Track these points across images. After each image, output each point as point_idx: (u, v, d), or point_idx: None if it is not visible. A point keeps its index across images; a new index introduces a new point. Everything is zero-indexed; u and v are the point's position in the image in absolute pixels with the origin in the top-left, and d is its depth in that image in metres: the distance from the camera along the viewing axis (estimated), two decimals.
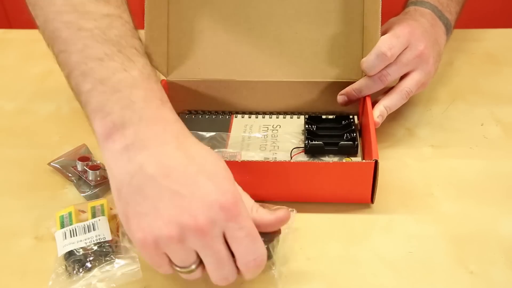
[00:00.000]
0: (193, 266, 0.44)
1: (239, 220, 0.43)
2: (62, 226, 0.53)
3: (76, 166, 0.63)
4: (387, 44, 0.61)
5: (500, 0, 1.04)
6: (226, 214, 0.42)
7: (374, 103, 0.64)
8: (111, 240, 0.52)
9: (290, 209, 0.49)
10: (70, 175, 0.63)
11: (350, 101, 0.66)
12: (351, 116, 0.67)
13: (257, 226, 0.45)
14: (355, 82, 0.65)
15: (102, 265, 0.51)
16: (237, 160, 0.59)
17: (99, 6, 0.48)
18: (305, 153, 0.63)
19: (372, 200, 0.57)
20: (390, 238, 0.55)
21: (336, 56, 0.68)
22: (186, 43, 0.69)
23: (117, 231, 0.54)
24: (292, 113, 0.70)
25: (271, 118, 0.70)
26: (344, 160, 0.61)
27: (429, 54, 0.64)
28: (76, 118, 0.73)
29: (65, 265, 0.51)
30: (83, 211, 0.55)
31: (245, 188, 0.48)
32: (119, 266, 0.51)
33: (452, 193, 0.60)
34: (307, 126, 0.65)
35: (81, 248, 0.52)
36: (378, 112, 0.63)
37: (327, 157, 0.62)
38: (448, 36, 0.71)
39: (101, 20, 0.48)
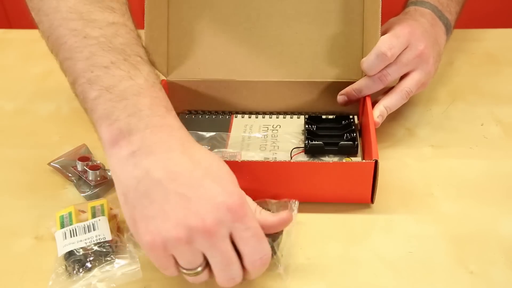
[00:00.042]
0: (199, 269, 0.44)
1: (246, 220, 0.44)
2: (62, 226, 0.53)
3: (76, 166, 0.63)
4: (387, 44, 0.61)
5: (500, 0, 1.04)
6: (233, 215, 0.43)
7: (374, 103, 0.64)
8: (111, 240, 0.52)
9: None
10: (70, 175, 0.63)
11: (350, 101, 0.66)
12: (351, 116, 0.67)
13: (261, 227, 0.45)
14: (355, 82, 0.65)
15: (102, 265, 0.51)
16: (237, 160, 0.59)
17: (105, 14, 0.49)
18: (305, 153, 0.63)
19: (372, 200, 0.57)
20: (390, 238, 0.55)
21: (336, 56, 0.68)
22: (186, 43, 0.69)
23: (117, 231, 0.54)
24: (292, 113, 0.70)
25: (271, 118, 0.70)
26: (344, 160, 0.61)
27: (429, 54, 0.64)
28: (76, 118, 0.73)
29: (65, 265, 0.51)
30: (83, 211, 0.55)
31: (245, 188, 0.48)
32: (119, 266, 0.51)
33: (452, 193, 0.60)
34: (307, 126, 0.65)
35: (81, 248, 0.52)
36: (378, 112, 0.63)
37: (327, 157, 0.62)
38: (448, 36, 0.71)
39: (107, 28, 0.49)
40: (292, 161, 0.61)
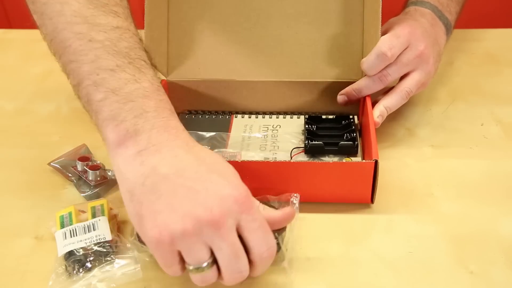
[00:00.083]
0: (205, 264, 0.44)
1: (252, 212, 0.44)
2: (62, 226, 0.53)
3: (76, 166, 0.63)
4: (387, 44, 0.61)
5: (500, 0, 1.04)
6: (240, 206, 0.44)
7: (374, 103, 0.64)
8: (111, 240, 0.52)
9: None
10: (70, 175, 0.63)
11: (350, 101, 0.66)
12: (351, 116, 0.67)
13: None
14: (355, 82, 0.65)
15: (102, 265, 0.51)
16: (237, 160, 0.59)
17: (109, 19, 0.50)
18: (305, 153, 0.63)
19: (372, 200, 0.57)
20: (390, 238, 0.55)
21: (336, 56, 0.68)
22: (186, 43, 0.69)
23: (117, 231, 0.54)
24: (292, 113, 0.70)
25: (271, 118, 0.70)
26: (344, 160, 0.61)
27: (429, 54, 0.64)
28: (76, 118, 0.73)
29: (65, 265, 0.51)
30: (83, 211, 0.55)
31: None
32: (119, 266, 0.51)
33: (452, 193, 0.60)
34: (307, 126, 0.65)
35: (81, 248, 0.52)
36: (378, 112, 0.63)
37: (327, 157, 0.62)
38: (448, 36, 0.71)
39: (111, 32, 0.49)
40: (292, 161, 0.61)
